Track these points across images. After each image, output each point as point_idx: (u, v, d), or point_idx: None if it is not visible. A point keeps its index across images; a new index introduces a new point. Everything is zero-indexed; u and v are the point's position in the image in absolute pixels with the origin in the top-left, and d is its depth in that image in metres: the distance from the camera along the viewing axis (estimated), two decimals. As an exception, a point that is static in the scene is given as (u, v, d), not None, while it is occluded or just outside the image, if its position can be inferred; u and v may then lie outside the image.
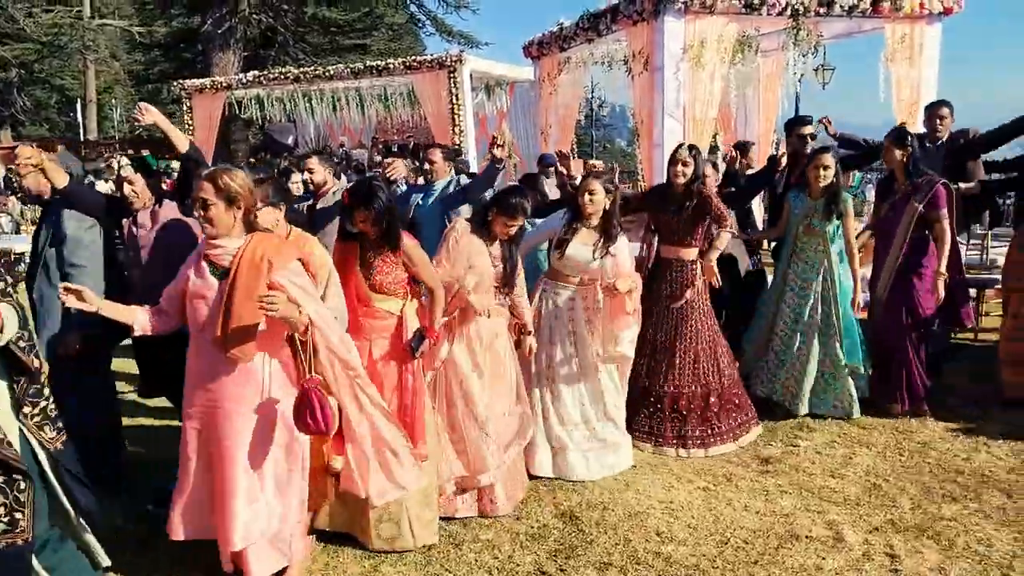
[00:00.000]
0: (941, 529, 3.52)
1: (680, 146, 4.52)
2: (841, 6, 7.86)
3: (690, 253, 4.56)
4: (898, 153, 4.81)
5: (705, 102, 7.78)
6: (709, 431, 4.45)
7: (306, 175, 4.91)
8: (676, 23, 7.52)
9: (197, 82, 17.08)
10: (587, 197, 4.07)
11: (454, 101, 14.92)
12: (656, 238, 4.75)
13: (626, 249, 4.14)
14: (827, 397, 4.87)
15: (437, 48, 26.25)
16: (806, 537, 3.49)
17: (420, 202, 5.25)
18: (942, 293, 4.73)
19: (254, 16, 19.67)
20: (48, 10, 30.21)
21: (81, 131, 33.55)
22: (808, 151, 5.87)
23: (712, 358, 4.53)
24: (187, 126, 17.56)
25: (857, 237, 5.80)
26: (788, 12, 7.81)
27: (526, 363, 4.11)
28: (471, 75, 15.46)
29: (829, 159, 4.73)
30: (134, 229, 4.02)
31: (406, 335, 3.44)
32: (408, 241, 3.47)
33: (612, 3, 8.23)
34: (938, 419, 4.81)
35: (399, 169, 5.55)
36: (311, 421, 2.83)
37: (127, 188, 4.04)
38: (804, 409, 4.85)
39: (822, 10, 7.88)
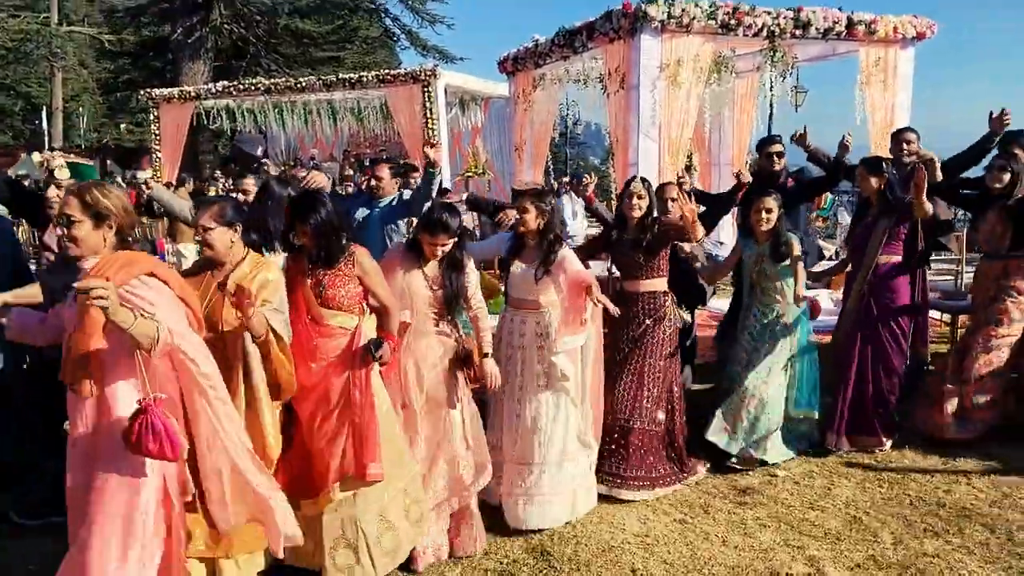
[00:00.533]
0: (924, 566, 3.41)
1: (633, 179, 4.33)
2: (817, 29, 7.87)
3: (656, 284, 4.32)
4: (874, 181, 4.72)
5: (681, 122, 7.72)
6: (650, 472, 4.18)
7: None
8: (653, 42, 7.46)
9: (165, 91, 16.75)
10: (522, 216, 3.92)
11: (428, 116, 14.77)
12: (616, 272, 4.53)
13: (574, 259, 3.90)
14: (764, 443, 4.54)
15: (412, 62, 26.10)
16: (787, 575, 3.35)
17: (361, 219, 5.06)
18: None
19: (225, 26, 19.40)
20: (15, 15, 29.69)
21: (47, 139, 32.91)
22: (775, 170, 5.82)
23: (659, 396, 4.26)
24: (154, 135, 17.23)
25: (835, 264, 5.71)
26: (764, 34, 7.80)
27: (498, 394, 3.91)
28: (446, 90, 15.34)
29: (771, 202, 4.51)
30: (47, 235, 3.86)
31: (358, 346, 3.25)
32: (363, 253, 3.29)
33: (588, 20, 8.15)
34: (915, 448, 4.72)
35: (318, 180, 5.31)
36: (152, 445, 2.35)
37: (52, 191, 3.86)
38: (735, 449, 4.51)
39: (798, 32, 7.87)
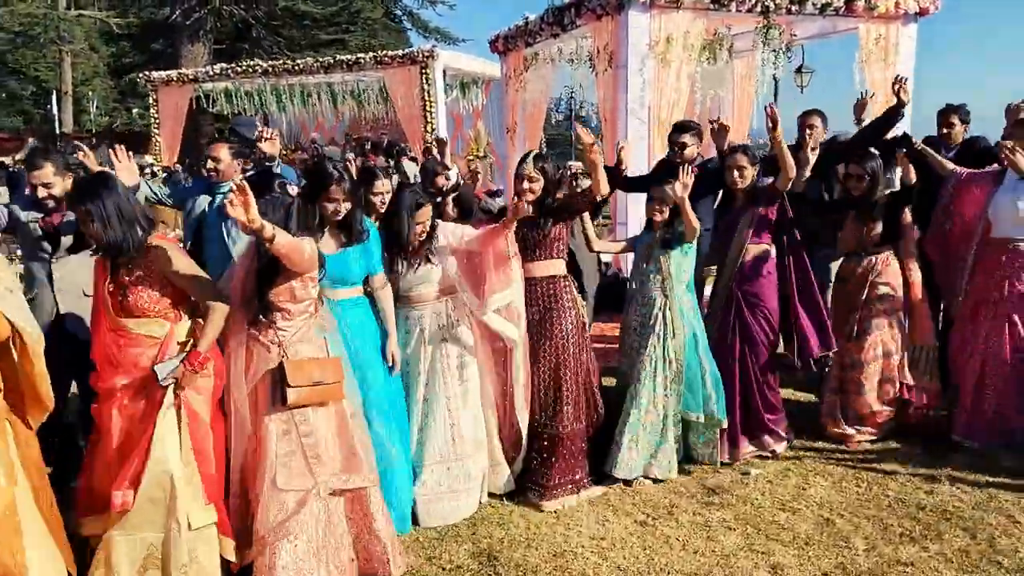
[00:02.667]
0: None
1: (525, 157, 3.96)
2: (814, 4, 7.57)
3: (557, 266, 4.03)
4: (748, 172, 4.31)
5: (671, 101, 7.46)
6: (573, 475, 3.91)
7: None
8: (641, 18, 7.19)
9: (163, 74, 16.60)
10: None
11: (426, 98, 14.55)
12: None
13: (452, 229, 3.77)
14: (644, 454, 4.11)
15: (420, 46, 25.85)
16: (746, 583, 3.15)
17: (206, 207, 4.51)
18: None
19: (225, 8, 19.19)
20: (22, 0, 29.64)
21: (57, 123, 32.92)
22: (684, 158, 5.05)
23: (582, 395, 3.99)
24: (153, 119, 17.11)
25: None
26: (758, 9, 7.50)
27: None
28: (445, 72, 15.08)
29: (744, 159, 4.23)
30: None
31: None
32: (166, 246, 2.94)
33: (577, -3, 7.88)
34: (899, 444, 4.48)
35: (268, 148, 5.07)
36: None
37: (42, 191, 3.72)
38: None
39: (794, 8, 7.57)
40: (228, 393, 3.05)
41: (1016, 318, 4.39)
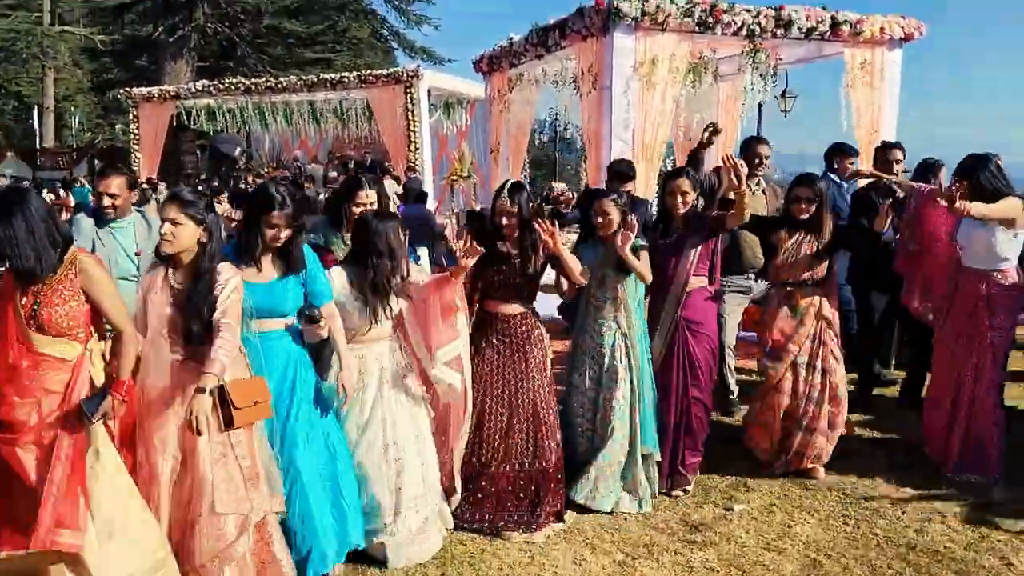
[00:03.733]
0: (886, 621, 3.03)
1: (501, 189, 3.81)
2: (799, 28, 7.51)
3: (528, 304, 3.92)
4: (690, 197, 4.17)
5: (655, 124, 7.36)
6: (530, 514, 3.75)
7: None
8: (626, 40, 7.11)
9: (144, 90, 16.46)
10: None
11: (410, 117, 14.47)
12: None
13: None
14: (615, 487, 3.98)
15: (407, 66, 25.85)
16: (730, 630, 2.98)
17: (95, 237, 4.03)
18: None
19: (209, 26, 19.07)
20: (6, 14, 29.43)
21: (38, 139, 32.62)
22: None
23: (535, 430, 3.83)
24: (133, 136, 16.92)
25: None
26: (744, 33, 7.44)
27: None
28: (429, 92, 15.02)
29: (610, 205, 3.97)
30: None
31: (80, 390, 2.69)
32: (89, 261, 2.78)
33: (562, 18, 7.80)
34: (888, 480, 4.33)
35: None
36: None
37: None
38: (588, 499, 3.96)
39: (779, 32, 7.51)
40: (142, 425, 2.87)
41: (990, 350, 4.29)
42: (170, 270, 2.86)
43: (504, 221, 3.75)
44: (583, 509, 3.95)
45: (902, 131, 8.19)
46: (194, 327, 2.82)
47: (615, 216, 3.95)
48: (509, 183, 3.87)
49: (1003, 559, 3.48)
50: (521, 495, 3.79)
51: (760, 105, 13.91)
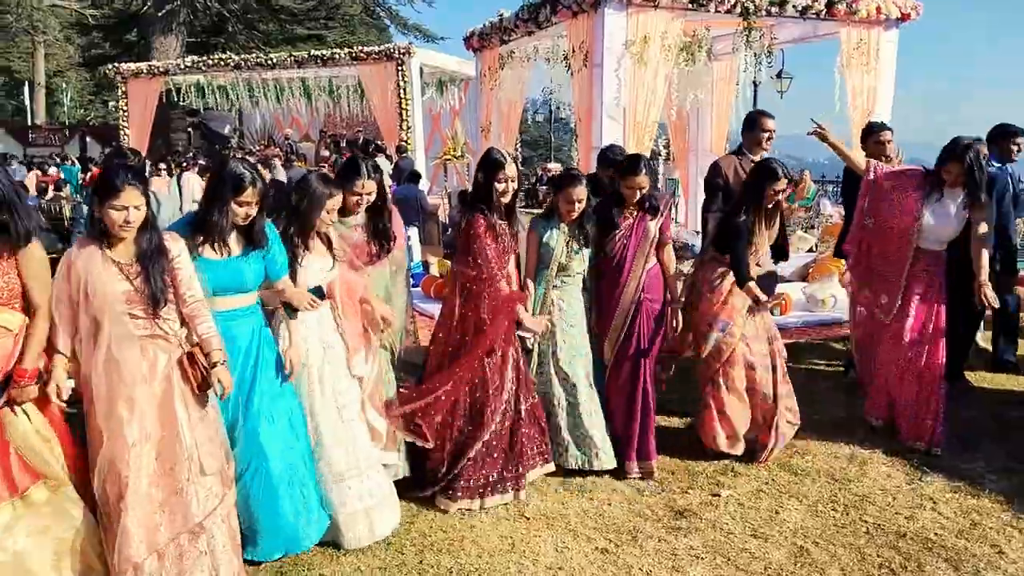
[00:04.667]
0: (873, 611, 2.96)
1: (504, 161, 3.79)
2: (795, 6, 7.37)
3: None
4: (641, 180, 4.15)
5: (647, 103, 7.22)
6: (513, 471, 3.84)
7: None
8: (617, 16, 6.96)
9: (132, 66, 16.23)
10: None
11: (402, 95, 14.31)
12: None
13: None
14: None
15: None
16: (713, 619, 2.90)
17: None
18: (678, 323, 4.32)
19: (199, 0, 18.78)
20: (-5, -13, 29.03)
21: (29, 115, 32.31)
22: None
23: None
24: (122, 112, 16.71)
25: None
26: (738, 10, 7.29)
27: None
28: (422, 69, 14.84)
29: (582, 191, 3.98)
30: None
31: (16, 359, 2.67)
32: (31, 246, 2.70)
33: (551, -7, 7.64)
34: (879, 464, 4.26)
35: None
36: None
37: None
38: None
39: (774, 10, 7.37)
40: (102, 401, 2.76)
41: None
42: (104, 247, 2.73)
43: (508, 187, 3.78)
44: (568, 493, 3.88)
45: (897, 112, 8.08)
46: (160, 301, 2.75)
47: (584, 202, 4.01)
48: (503, 151, 3.86)
49: (995, 547, 3.41)
50: (535, 432, 3.94)
51: (756, 86, 13.82)
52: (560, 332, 4.10)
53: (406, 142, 14.11)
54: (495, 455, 3.78)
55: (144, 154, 16.42)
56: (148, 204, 2.76)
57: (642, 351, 4.13)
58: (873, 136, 5.25)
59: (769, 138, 5.32)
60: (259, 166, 4.73)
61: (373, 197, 3.61)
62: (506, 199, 3.82)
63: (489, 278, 3.75)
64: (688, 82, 9.07)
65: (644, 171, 4.09)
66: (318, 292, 3.24)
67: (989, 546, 3.42)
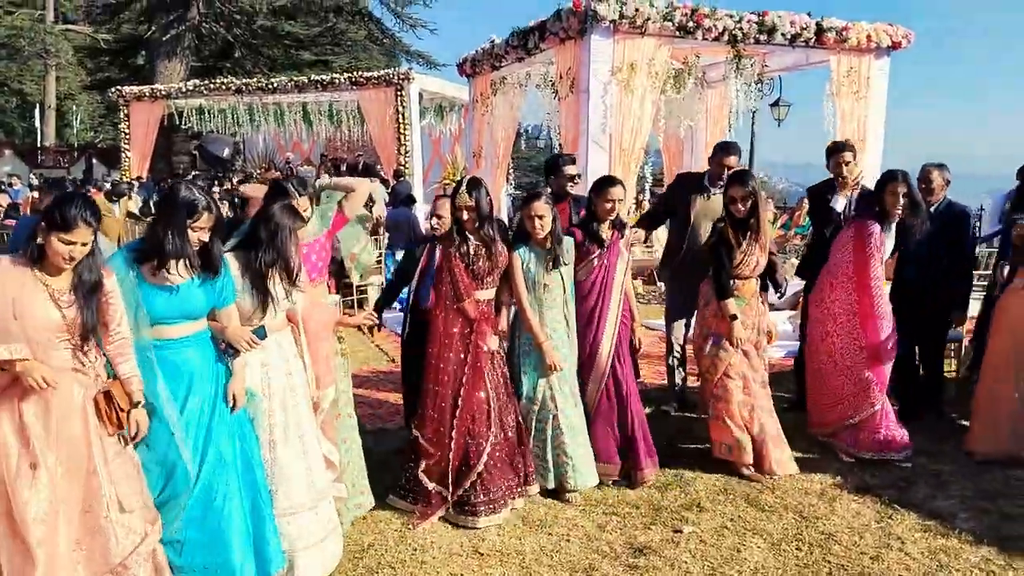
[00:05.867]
0: (827, 657, 2.85)
1: (459, 185, 3.90)
2: (783, 35, 7.36)
3: (491, 292, 4.03)
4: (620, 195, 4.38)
5: (633, 130, 7.19)
6: (486, 495, 3.85)
7: None
8: (604, 43, 6.96)
9: (135, 89, 16.39)
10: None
11: (400, 120, 14.37)
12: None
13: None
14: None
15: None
16: (659, 664, 2.80)
17: None
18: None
19: (204, 25, 18.97)
20: (10, 12, 29.45)
21: (39, 137, 32.64)
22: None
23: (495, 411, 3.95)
24: (124, 134, 16.84)
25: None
26: (725, 38, 7.28)
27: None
28: (421, 95, 14.93)
29: (540, 207, 4.01)
30: None
31: None
32: None
33: (541, 20, 7.65)
34: (849, 500, 4.14)
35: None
36: None
37: None
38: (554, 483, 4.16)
39: (763, 38, 7.36)
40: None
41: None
42: (37, 270, 2.65)
43: (464, 216, 3.85)
44: (527, 528, 3.80)
45: (896, 140, 8.03)
46: (89, 335, 2.67)
47: (548, 217, 4.02)
48: (467, 179, 3.96)
49: (960, 591, 3.30)
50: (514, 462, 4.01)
51: (753, 113, 13.80)
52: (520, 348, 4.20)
53: (404, 166, 14.15)
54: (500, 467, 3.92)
55: (146, 176, 16.55)
56: (95, 240, 2.69)
57: (624, 365, 4.34)
58: (834, 156, 5.22)
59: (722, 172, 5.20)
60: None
61: (310, 212, 3.58)
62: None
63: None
64: (680, 109, 9.06)
65: (620, 184, 4.28)
66: (259, 332, 3.13)
67: (955, 589, 3.30)
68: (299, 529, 3.23)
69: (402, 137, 14.35)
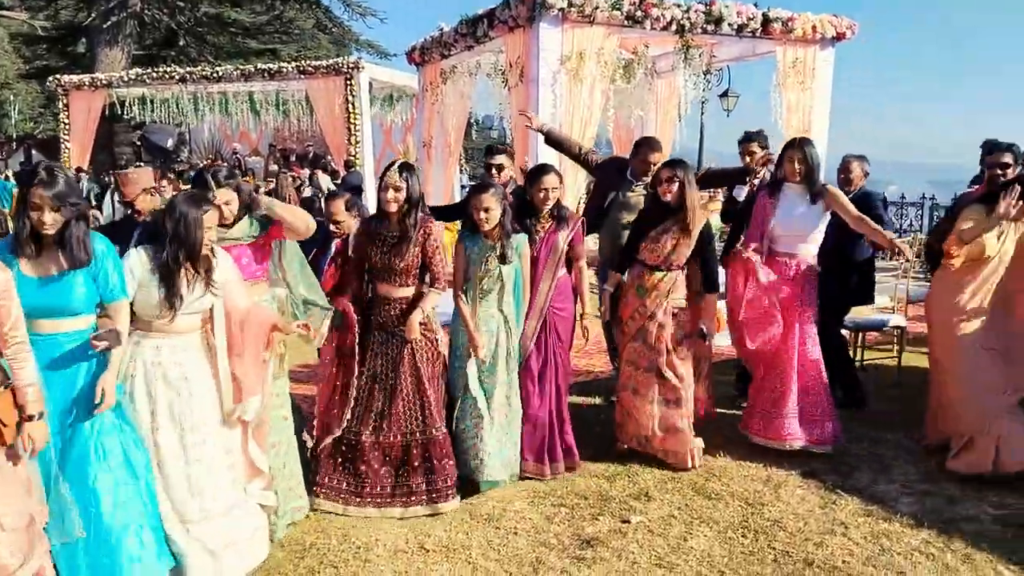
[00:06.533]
0: (772, 644, 2.85)
1: (390, 166, 3.75)
2: (730, 25, 7.38)
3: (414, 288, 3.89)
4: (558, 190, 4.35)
5: (583, 120, 7.15)
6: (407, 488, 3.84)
7: None
8: (553, 31, 6.90)
9: (74, 78, 15.83)
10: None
11: (351, 110, 14.13)
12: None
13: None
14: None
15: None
16: (605, 656, 2.78)
17: None
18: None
19: (147, 13, 18.44)
20: (-63, -3, 28.33)
21: (-27, 127, 31.50)
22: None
23: (418, 405, 3.87)
24: (63, 124, 16.29)
25: None
26: (674, 28, 7.28)
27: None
28: (371, 84, 14.70)
29: (486, 199, 3.94)
30: None
31: None
32: None
33: (490, 8, 7.57)
34: (795, 487, 4.18)
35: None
36: None
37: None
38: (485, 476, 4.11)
39: (710, 28, 7.37)
40: None
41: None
42: None
43: (390, 195, 3.67)
44: (474, 522, 3.75)
45: (842, 129, 8.14)
46: None
47: (496, 210, 3.95)
48: (398, 161, 3.79)
49: (900, 574, 3.33)
50: (416, 463, 3.84)
51: (703, 104, 13.90)
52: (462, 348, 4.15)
53: (355, 157, 13.94)
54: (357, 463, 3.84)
55: (87, 167, 16.05)
56: None
57: (549, 359, 4.23)
58: (742, 147, 5.29)
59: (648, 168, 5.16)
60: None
61: (235, 206, 3.44)
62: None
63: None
64: (630, 99, 9.06)
65: (553, 172, 4.19)
66: (113, 335, 2.83)
67: (895, 573, 3.34)
68: (186, 539, 3.05)
69: (352, 127, 14.11)
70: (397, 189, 3.67)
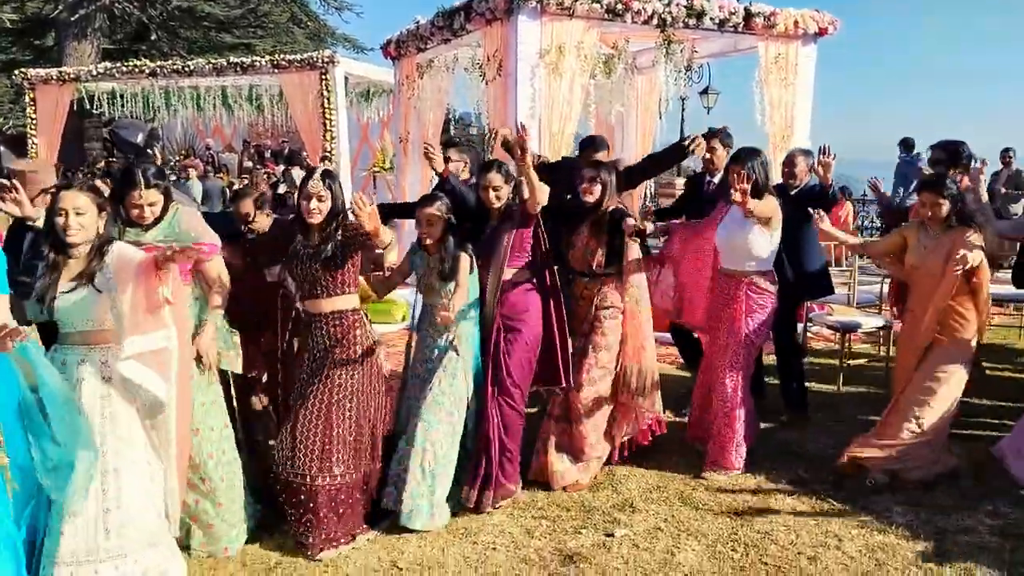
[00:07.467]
0: (766, 669, 2.69)
1: (312, 173, 3.43)
2: (711, 19, 7.26)
3: (346, 302, 3.52)
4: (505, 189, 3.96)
5: (562, 115, 6.99)
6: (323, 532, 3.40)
7: None
8: (531, 25, 6.74)
9: (41, 72, 15.40)
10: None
11: (326, 105, 13.85)
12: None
13: (125, 251, 2.90)
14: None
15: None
16: None
17: None
18: None
19: (117, 5, 18.01)
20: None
21: (-60, 122, 30.82)
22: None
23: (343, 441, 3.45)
24: (31, 119, 15.87)
25: None
26: (655, 21, 7.14)
27: None
28: (347, 79, 14.43)
29: (427, 212, 3.68)
30: None
31: None
32: None
33: (467, 0, 7.37)
34: (785, 496, 4.03)
35: None
36: None
37: None
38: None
39: (691, 22, 7.25)
40: None
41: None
42: None
43: (313, 204, 3.35)
44: (451, 537, 3.56)
45: (816, 126, 8.03)
46: None
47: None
48: (320, 169, 3.48)
49: (898, 590, 3.19)
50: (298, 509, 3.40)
51: (683, 100, 13.79)
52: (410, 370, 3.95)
53: (330, 152, 13.68)
54: None
55: (54, 163, 15.64)
56: None
57: (496, 377, 3.81)
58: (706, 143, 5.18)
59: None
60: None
61: (158, 208, 3.20)
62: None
63: None
64: (610, 95, 8.90)
65: (496, 170, 3.84)
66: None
67: (892, 588, 3.19)
68: None
69: (327, 123, 13.83)
70: (320, 199, 3.35)
